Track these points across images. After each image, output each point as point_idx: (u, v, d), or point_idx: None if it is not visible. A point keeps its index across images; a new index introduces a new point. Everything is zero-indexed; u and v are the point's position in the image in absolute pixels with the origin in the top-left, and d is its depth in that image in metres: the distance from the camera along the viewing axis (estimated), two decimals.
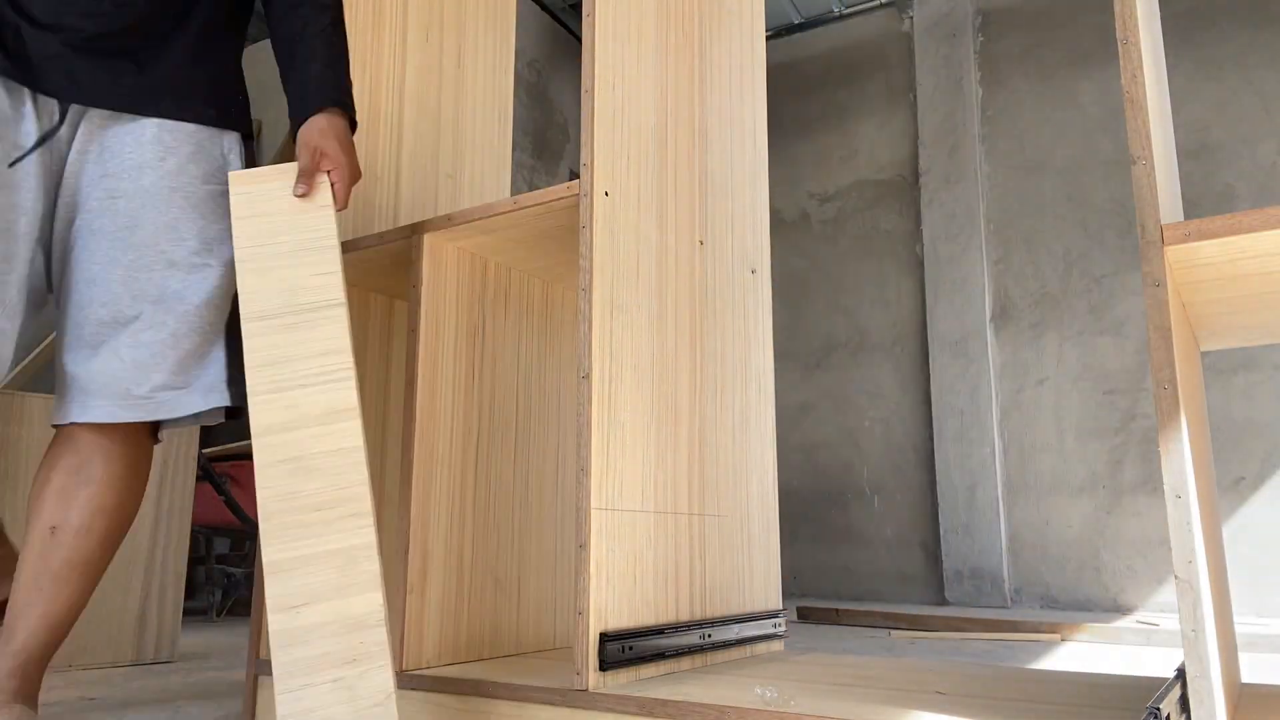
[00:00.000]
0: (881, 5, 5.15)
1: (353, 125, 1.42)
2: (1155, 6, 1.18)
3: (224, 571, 3.56)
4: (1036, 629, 3.09)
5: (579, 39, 5.49)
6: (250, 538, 3.66)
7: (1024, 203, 4.57)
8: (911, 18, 5.04)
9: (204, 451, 3.15)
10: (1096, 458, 4.22)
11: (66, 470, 1.27)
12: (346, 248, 1.57)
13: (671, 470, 1.36)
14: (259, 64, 5.72)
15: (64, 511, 1.25)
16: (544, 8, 5.28)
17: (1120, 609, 4.04)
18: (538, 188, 5.19)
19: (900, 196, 4.95)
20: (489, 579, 1.51)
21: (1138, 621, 3.32)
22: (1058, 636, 3.03)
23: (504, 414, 1.59)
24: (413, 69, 1.92)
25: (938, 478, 4.53)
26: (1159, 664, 2.41)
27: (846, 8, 5.23)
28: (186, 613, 3.81)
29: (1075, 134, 4.50)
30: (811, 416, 5.00)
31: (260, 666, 1.51)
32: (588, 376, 1.21)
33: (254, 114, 5.75)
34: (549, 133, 5.14)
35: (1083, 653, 2.68)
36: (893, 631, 3.29)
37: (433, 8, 1.99)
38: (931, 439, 4.62)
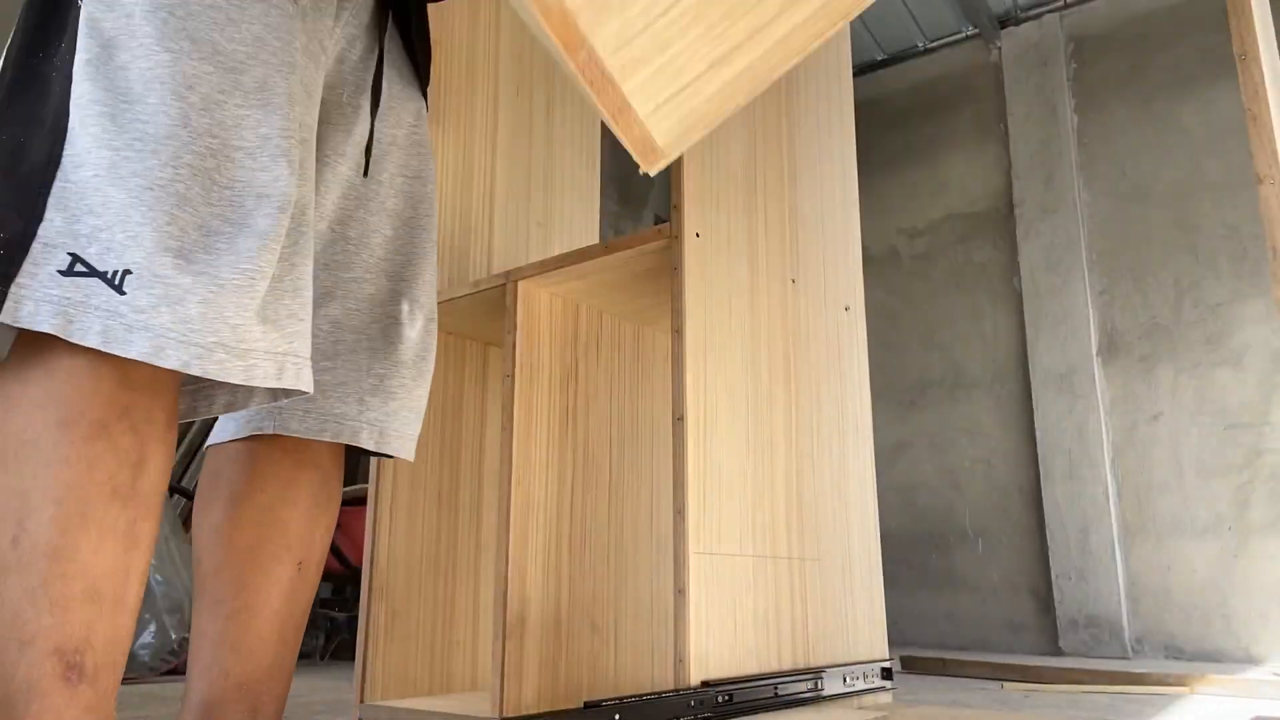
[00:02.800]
0: (967, 37, 5.08)
1: None
2: (1270, 21, 1.13)
3: (327, 616, 3.65)
4: (1162, 681, 2.89)
5: None
6: (352, 582, 3.74)
7: (1128, 231, 4.39)
8: (999, 48, 4.95)
9: None
10: (1220, 497, 3.96)
11: (312, 490, 1.00)
12: (443, 297, 1.61)
13: (769, 513, 1.33)
14: None
15: (309, 543, 1.00)
16: None
17: (1252, 660, 3.76)
18: (622, 234, 5.26)
19: (994, 229, 4.82)
20: (586, 624, 1.50)
21: (1273, 673, 3.08)
22: (1186, 689, 2.83)
23: (598, 458, 1.59)
24: (504, 123, 1.97)
25: (1046, 520, 4.33)
26: None
27: (931, 41, 5.18)
28: None
29: (1180, 158, 4.31)
30: (907, 457, 4.86)
31: (364, 711, 1.53)
32: (682, 419, 1.20)
33: None
34: (633, 179, 5.22)
35: (1213, 707, 2.49)
36: (1005, 684, 3.13)
37: (523, 64, 2.04)
38: (1038, 479, 4.42)
